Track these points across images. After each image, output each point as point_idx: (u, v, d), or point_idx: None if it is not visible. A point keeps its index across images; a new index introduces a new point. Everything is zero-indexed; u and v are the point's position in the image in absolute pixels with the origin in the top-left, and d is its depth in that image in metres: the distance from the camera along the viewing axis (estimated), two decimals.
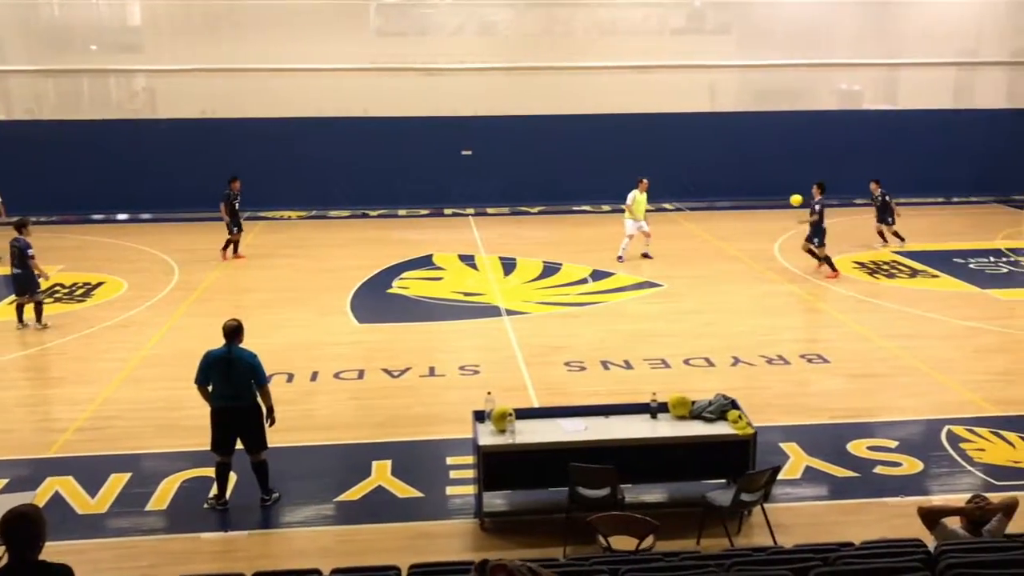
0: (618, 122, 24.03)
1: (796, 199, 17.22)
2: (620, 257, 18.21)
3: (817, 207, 16.66)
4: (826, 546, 6.07)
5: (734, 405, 8.56)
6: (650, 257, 18.42)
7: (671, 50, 24.47)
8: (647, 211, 18.55)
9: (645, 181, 18.43)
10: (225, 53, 23.20)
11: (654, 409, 8.55)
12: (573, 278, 17.06)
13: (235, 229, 18.47)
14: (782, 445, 9.75)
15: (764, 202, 23.76)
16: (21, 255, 13.57)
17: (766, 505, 7.95)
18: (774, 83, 25.62)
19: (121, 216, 23.45)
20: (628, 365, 12.34)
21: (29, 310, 13.98)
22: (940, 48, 25.21)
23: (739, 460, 8.28)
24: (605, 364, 12.38)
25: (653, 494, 8.72)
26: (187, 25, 23.62)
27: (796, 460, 9.46)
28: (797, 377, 11.97)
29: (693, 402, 8.58)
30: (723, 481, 8.47)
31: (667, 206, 23.80)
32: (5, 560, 4.56)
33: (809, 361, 12.49)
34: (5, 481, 9.08)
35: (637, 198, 18.29)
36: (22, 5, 23.29)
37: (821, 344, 13.21)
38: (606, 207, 24.20)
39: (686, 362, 12.43)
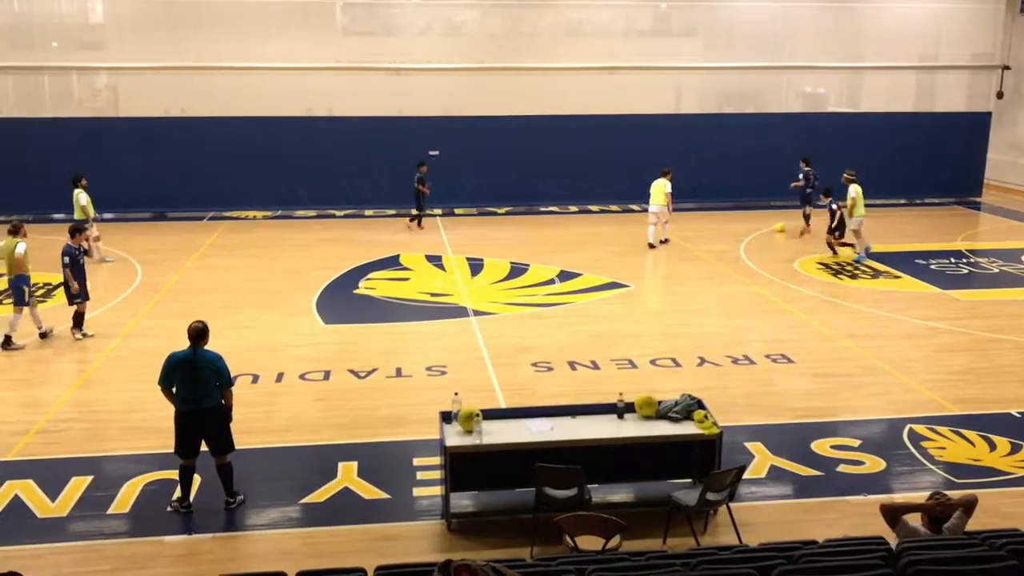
0: (584, 123, 24.10)
1: (779, 226, 20.18)
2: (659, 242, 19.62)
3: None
4: (790, 544, 6.13)
5: (700, 405, 8.62)
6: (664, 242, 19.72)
7: (637, 52, 24.58)
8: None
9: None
10: (188, 51, 22.94)
11: (621, 409, 8.58)
12: (540, 279, 17.08)
13: (422, 206, 21.28)
14: (747, 444, 9.83)
15: (729, 203, 23.97)
16: (61, 261, 13.12)
17: (731, 504, 8.02)
18: (739, 85, 25.86)
19: None
20: (595, 365, 12.37)
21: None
22: (901, 52, 25.57)
23: (705, 460, 8.35)
24: (572, 365, 12.40)
25: (619, 494, 8.75)
26: (150, 23, 23.31)
27: (761, 459, 9.55)
28: (762, 377, 12.07)
29: (659, 402, 8.62)
30: (689, 481, 8.53)
31: (633, 207, 23.91)
32: None
33: (774, 361, 12.60)
34: None
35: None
36: None
37: (786, 344, 13.34)
38: (573, 208, 24.29)
39: (652, 362, 12.50)
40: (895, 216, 23.73)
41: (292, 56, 23.06)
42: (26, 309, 13.21)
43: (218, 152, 23.06)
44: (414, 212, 21.57)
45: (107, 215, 22.73)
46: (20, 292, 13.10)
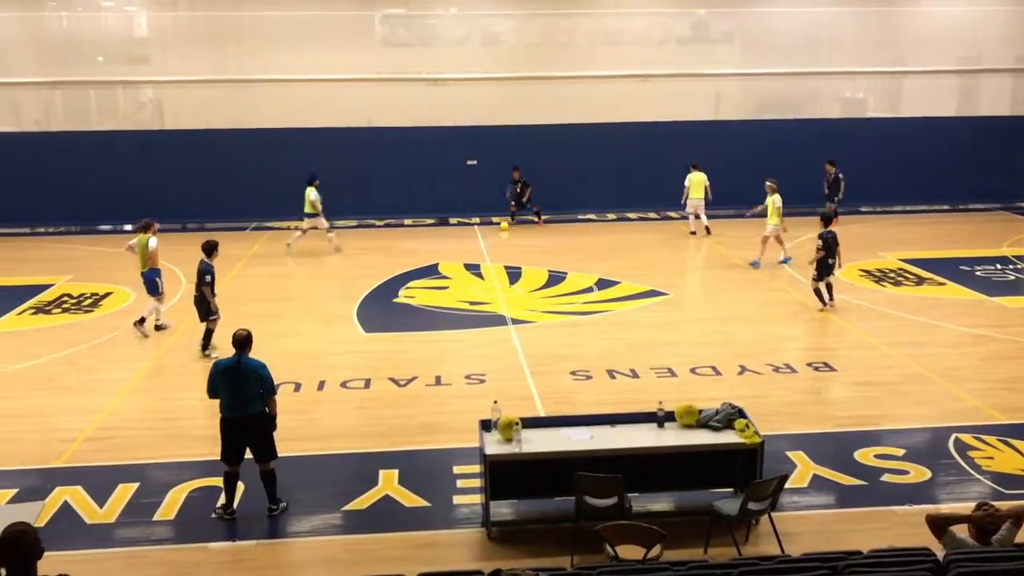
0: (622, 131, 24.08)
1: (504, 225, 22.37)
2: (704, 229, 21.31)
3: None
4: (834, 555, 6.07)
5: (741, 414, 8.57)
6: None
7: (674, 59, 24.52)
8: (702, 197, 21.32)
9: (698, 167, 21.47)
10: (231, 64, 23.33)
11: (661, 418, 8.56)
12: (578, 287, 17.08)
13: (524, 204, 23.01)
14: (789, 453, 9.75)
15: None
16: (199, 279, 13.12)
17: (773, 514, 7.94)
18: (777, 92, 25.64)
19: (128, 227, 23.47)
20: (634, 374, 12.34)
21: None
22: (943, 56, 25.23)
23: (746, 469, 8.29)
24: (611, 373, 12.38)
25: (660, 503, 8.72)
26: (193, 36, 23.73)
27: (803, 468, 9.46)
28: (804, 385, 11.96)
29: (700, 411, 8.59)
30: (730, 490, 8.48)
31: (672, 214, 23.83)
32: None
33: (816, 369, 12.48)
34: (15, 491, 9.13)
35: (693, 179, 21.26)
36: (31, 18, 23.41)
37: (828, 352, 13.21)
38: (611, 215, 24.26)
39: (692, 371, 12.44)
40: (938, 222, 23.41)
41: (331, 67, 23.34)
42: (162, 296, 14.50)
43: (259, 163, 23.37)
44: (536, 214, 23.15)
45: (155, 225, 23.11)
46: (153, 283, 14.32)
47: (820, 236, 14.93)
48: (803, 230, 20.61)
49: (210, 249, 13.16)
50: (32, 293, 16.91)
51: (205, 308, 13.18)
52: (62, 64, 23.41)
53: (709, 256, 19.40)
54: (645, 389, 11.66)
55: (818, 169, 22.26)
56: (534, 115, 23.89)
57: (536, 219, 23.16)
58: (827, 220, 15.24)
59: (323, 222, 20.03)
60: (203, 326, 13.35)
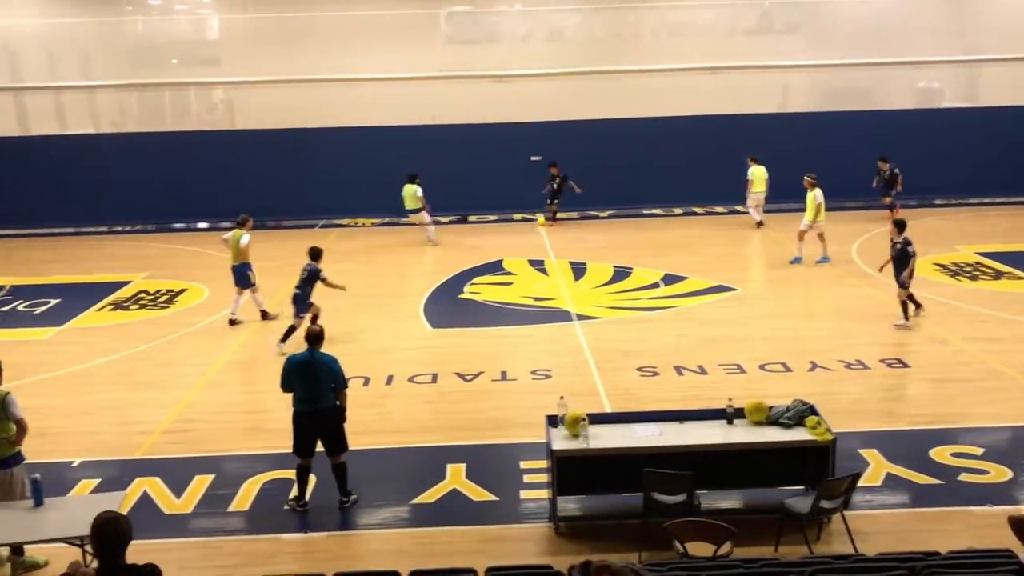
0: (688, 124, 23.84)
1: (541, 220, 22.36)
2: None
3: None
4: (911, 555, 5.95)
5: (812, 411, 8.43)
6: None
7: (741, 51, 24.17)
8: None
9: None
10: (299, 64, 23.71)
11: (730, 415, 8.46)
12: (644, 282, 16.97)
13: (553, 202, 22.76)
14: (862, 451, 9.56)
15: (839, 204, 23.27)
16: (309, 277, 13.28)
17: (846, 512, 7.80)
18: (847, 82, 25.10)
19: (202, 224, 24.10)
20: (702, 370, 12.23)
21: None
22: (1021, 42, 24.37)
23: (818, 466, 8.15)
24: (679, 369, 12.29)
25: (730, 500, 8.63)
26: (262, 38, 24.23)
27: (876, 467, 9.27)
28: (877, 382, 11.71)
29: (770, 407, 8.47)
30: (801, 488, 8.35)
31: (739, 208, 23.49)
32: (94, 565, 4.77)
33: (889, 366, 12.21)
34: (97, 481, 9.44)
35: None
36: (108, 23, 24.16)
37: (901, 348, 12.91)
38: (677, 210, 24.04)
39: (762, 367, 12.27)
40: (1017, 214, 22.67)
41: (398, 66, 23.60)
42: (247, 292, 14.88)
43: (327, 161, 23.75)
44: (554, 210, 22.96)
45: (224, 224, 23.65)
46: (244, 276, 14.78)
47: (908, 242, 13.54)
48: (872, 224, 20.26)
49: (317, 254, 13.56)
50: (110, 290, 17.45)
51: (300, 304, 13.28)
52: (137, 67, 24.10)
53: (777, 251, 19.07)
54: (713, 385, 11.55)
55: (889, 160, 21.75)
56: (598, 110, 23.79)
57: (552, 217, 22.92)
58: (902, 226, 13.76)
59: (426, 217, 20.75)
60: (293, 320, 13.42)
